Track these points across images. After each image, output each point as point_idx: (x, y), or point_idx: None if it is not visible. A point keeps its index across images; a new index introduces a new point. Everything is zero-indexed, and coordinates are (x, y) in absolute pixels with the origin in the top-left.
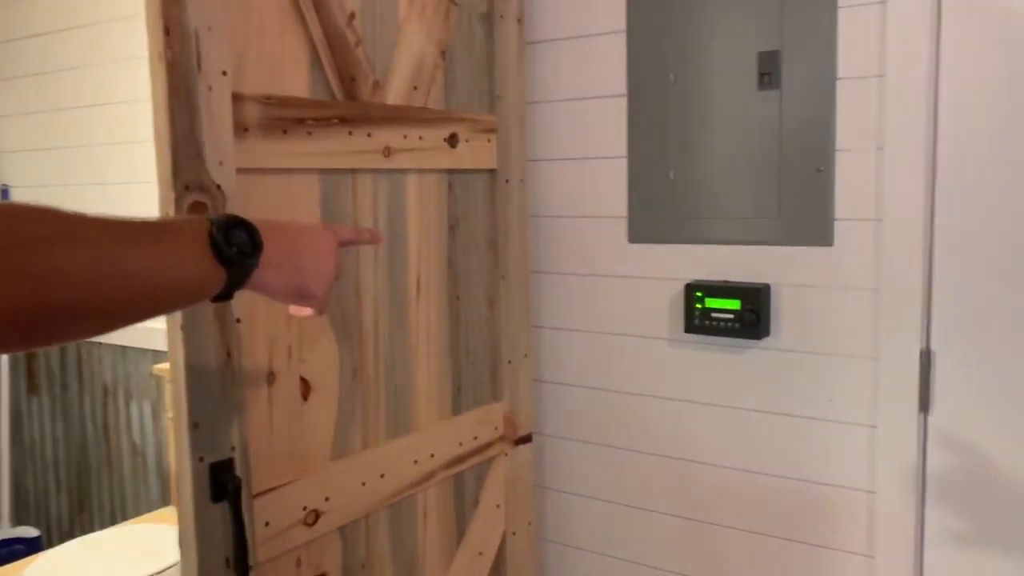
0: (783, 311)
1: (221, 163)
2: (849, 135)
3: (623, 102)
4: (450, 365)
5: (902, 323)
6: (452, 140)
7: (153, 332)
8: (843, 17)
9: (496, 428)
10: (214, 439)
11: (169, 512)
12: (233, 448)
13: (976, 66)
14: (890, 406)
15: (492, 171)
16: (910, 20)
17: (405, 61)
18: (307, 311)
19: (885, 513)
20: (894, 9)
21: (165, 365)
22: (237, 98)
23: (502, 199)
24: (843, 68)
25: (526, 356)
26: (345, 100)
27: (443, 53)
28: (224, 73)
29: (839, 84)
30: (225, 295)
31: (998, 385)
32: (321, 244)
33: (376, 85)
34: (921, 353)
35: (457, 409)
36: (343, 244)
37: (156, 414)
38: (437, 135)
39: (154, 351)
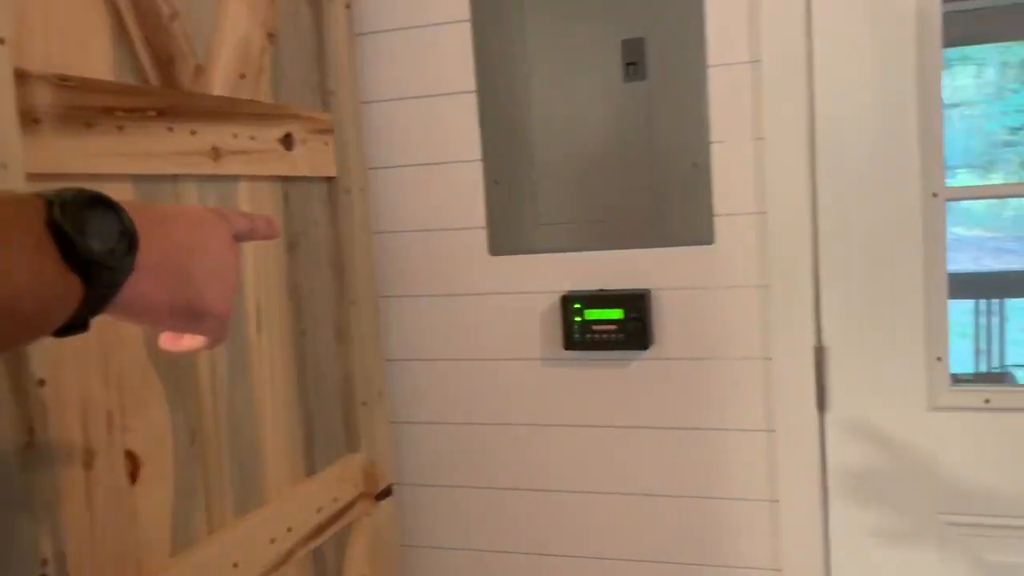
0: (666, 317)
1: (5, 166)
2: (724, 126)
3: (472, 99)
4: (300, 414)
5: (793, 320)
6: (287, 142)
7: None
8: (711, 0)
9: (355, 484)
10: (19, 552)
11: None
12: (45, 562)
13: (849, 47)
14: (787, 408)
15: (331, 179)
16: (783, 1)
17: (230, 42)
18: (197, 342)
19: (790, 523)
20: None
21: None
22: (22, 77)
23: (344, 212)
24: (714, 55)
25: (381, 395)
26: (163, 87)
27: (270, 36)
28: (1, 41)
29: (710, 72)
30: (81, 323)
31: (892, 375)
32: (214, 238)
33: (199, 70)
34: (815, 350)
35: (312, 467)
36: (237, 238)
37: None
38: (270, 135)
39: None
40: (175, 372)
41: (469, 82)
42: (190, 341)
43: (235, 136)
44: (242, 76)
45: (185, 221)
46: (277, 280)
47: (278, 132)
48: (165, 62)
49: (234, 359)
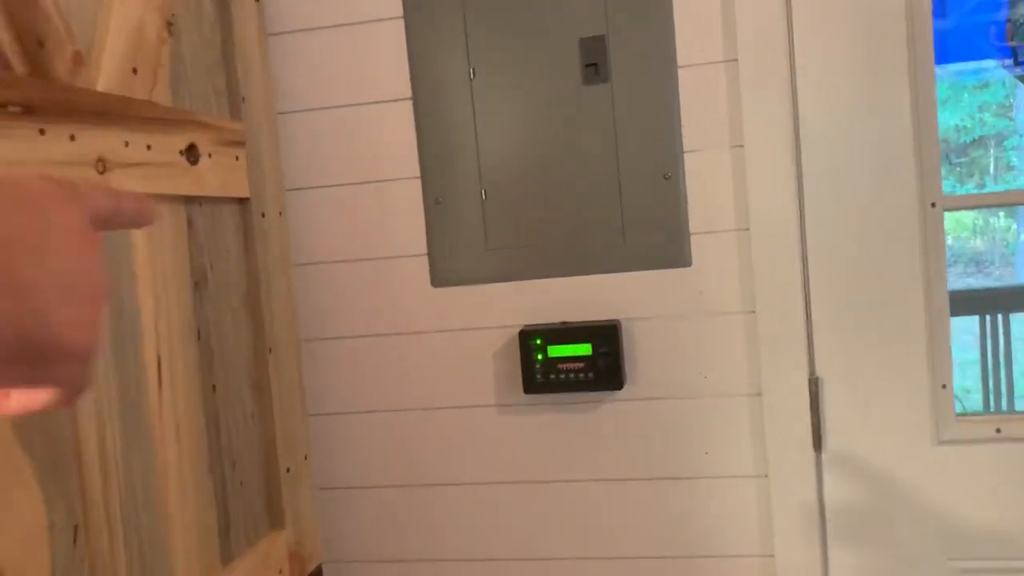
0: (640, 351)
1: None
2: (698, 133)
3: (407, 107)
4: (213, 489)
5: (784, 349)
6: (191, 154)
7: None
8: None
9: (280, 570)
10: None
11: None
12: None
13: (835, 42)
14: (780, 448)
15: (244, 201)
16: None
17: (120, 28)
18: (40, 398)
19: None
20: None
21: None
22: None
23: (260, 240)
24: (684, 53)
25: (306, 458)
26: (31, 76)
27: (169, 25)
28: None
29: (681, 73)
30: None
31: (894, 406)
32: (58, 224)
33: (78, 59)
34: (809, 381)
35: (228, 553)
36: (97, 224)
37: None
38: (171, 145)
39: None
40: (50, 451)
41: (403, 87)
42: (27, 398)
43: (127, 144)
44: (135, 71)
45: (5, 197)
46: (181, 323)
47: (180, 142)
48: (33, 46)
49: (129, 425)
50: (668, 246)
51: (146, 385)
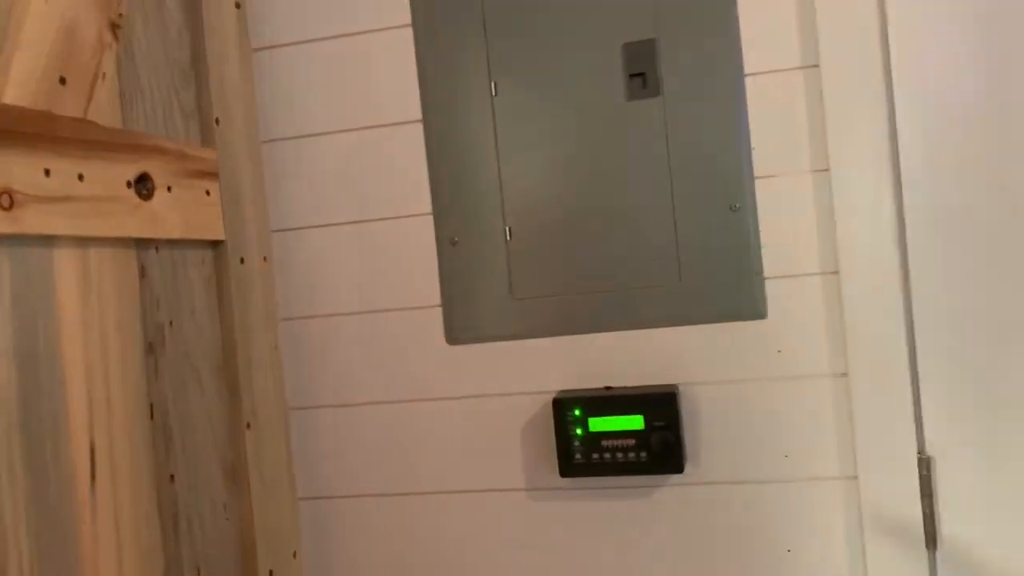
0: (705, 424)
1: None
2: (772, 155)
3: (418, 130)
4: None
5: (886, 421)
6: (143, 186)
7: None
8: None
9: None
10: None
11: None
12: None
13: (937, 39)
14: (882, 548)
15: (217, 244)
16: None
17: (39, 25)
18: None
19: None
20: None
21: None
22: None
23: (238, 291)
24: (753, 58)
25: (295, 556)
26: None
27: (114, 27)
28: None
29: (749, 82)
30: None
31: (1020, 491)
32: None
33: None
34: (919, 462)
35: None
36: None
37: None
38: (115, 175)
39: None
40: None
41: (412, 108)
42: None
43: (47, 173)
44: (62, 81)
45: None
46: (126, 399)
47: (128, 171)
48: None
49: (46, 543)
50: (736, 294)
51: (72, 487)
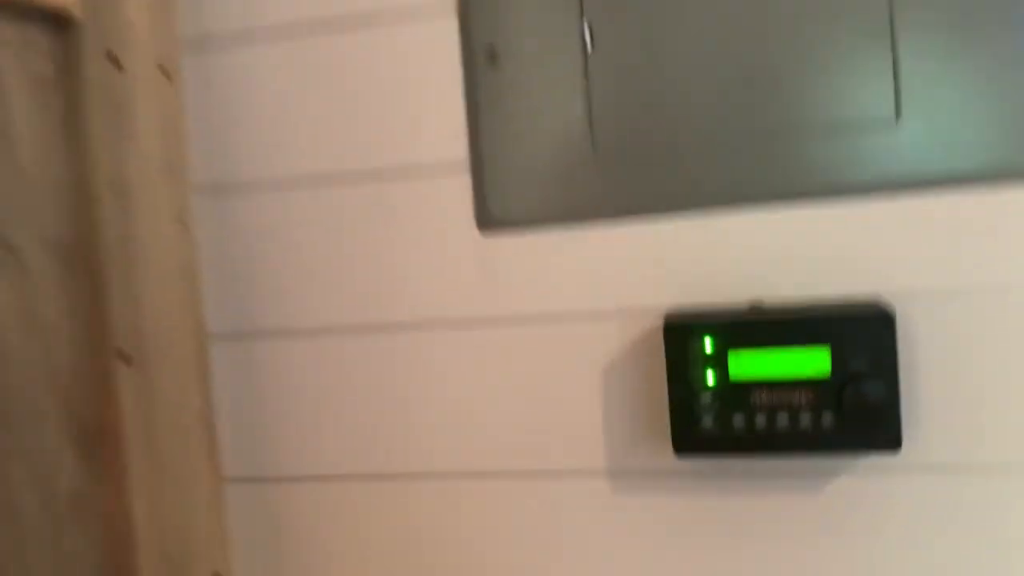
0: (937, 371)
1: None
2: None
3: None
4: None
5: None
6: None
7: None
8: None
9: None
10: None
11: None
12: None
13: None
14: None
15: (65, 23)
16: None
17: None
18: None
19: None
20: None
21: None
22: None
23: (106, 115)
24: None
25: None
26: None
27: None
28: None
29: None
30: None
31: None
32: None
33: None
34: None
35: None
36: None
37: None
38: None
39: None
40: None
41: None
42: None
43: None
44: None
45: None
46: None
47: None
48: None
49: None
50: (1001, 143)
51: None
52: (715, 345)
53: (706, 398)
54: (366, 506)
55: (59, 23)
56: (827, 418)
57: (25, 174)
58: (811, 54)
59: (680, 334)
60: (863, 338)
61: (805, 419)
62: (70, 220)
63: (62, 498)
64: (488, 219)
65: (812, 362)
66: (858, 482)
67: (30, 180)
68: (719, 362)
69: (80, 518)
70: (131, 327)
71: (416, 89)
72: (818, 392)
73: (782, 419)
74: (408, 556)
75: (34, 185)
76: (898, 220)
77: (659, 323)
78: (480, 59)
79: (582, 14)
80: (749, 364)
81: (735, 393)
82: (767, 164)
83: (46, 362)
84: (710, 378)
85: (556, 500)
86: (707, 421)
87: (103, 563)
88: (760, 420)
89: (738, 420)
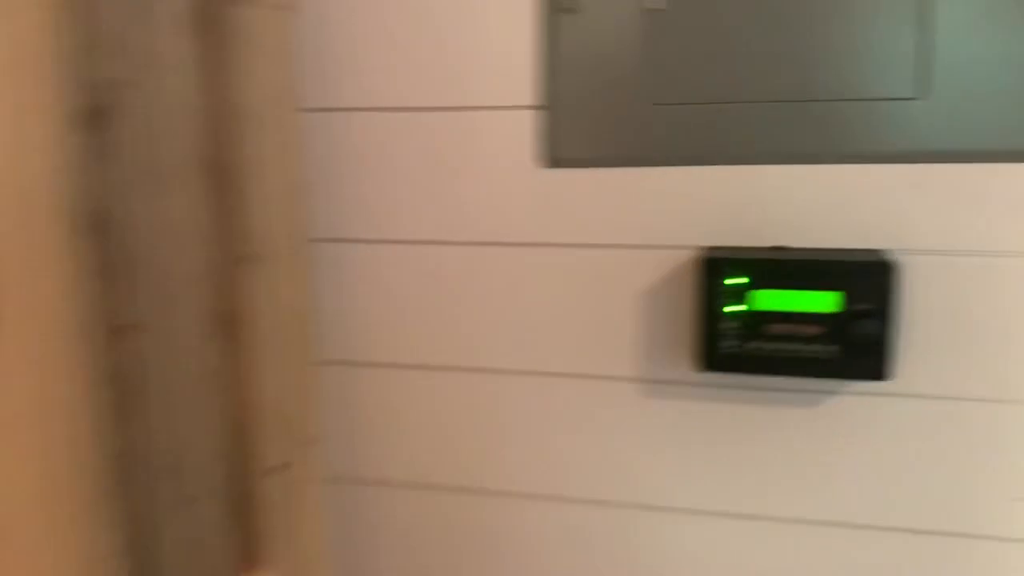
0: (929, 314)
1: None
2: None
3: None
4: (113, 524)
5: None
6: None
7: None
8: None
9: None
10: None
11: None
12: None
13: None
14: None
15: None
16: None
17: None
18: None
19: None
20: None
21: None
22: None
23: (234, 50)
24: None
25: (312, 443)
26: None
27: None
28: None
29: None
30: None
31: None
32: None
33: None
34: None
35: None
36: None
37: None
38: None
39: None
40: None
41: None
42: None
43: None
44: None
45: None
46: (45, 205)
47: None
48: None
49: None
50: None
51: None
52: (742, 279)
53: (731, 323)
54: (431, 390)
55: None
56: (833, 348)
57: (176, 101)
58: (850, 31)
59: (716, 268)
60: (870, 283)
61: (814, 347)
62: (210, 142)
63: (202, 368)
64: (551, 157)
65: (824, 300)
66: (855, 401)
67: (179, 106)
68: (744, 294)
69: (214, 385)
70: (260, 232)
71: (496, 35)
72: (827, 325)
73: (794, 345)
74: (463, 439)
75: (184, 110)
76: (913, 185)
77: (692, 257)
78: (557, 11)
79: None
80: (769, 298)
81: (755, 321)
82: (803, 127)
83: (191, 263)
84: (737, 307)
85: (592, 399)
86: (731, 343)
87: (233, 425)
88: (775, 346)
89: (756, 345)
